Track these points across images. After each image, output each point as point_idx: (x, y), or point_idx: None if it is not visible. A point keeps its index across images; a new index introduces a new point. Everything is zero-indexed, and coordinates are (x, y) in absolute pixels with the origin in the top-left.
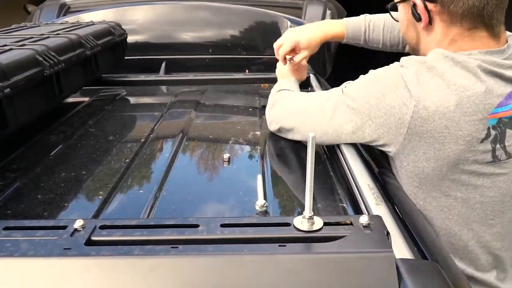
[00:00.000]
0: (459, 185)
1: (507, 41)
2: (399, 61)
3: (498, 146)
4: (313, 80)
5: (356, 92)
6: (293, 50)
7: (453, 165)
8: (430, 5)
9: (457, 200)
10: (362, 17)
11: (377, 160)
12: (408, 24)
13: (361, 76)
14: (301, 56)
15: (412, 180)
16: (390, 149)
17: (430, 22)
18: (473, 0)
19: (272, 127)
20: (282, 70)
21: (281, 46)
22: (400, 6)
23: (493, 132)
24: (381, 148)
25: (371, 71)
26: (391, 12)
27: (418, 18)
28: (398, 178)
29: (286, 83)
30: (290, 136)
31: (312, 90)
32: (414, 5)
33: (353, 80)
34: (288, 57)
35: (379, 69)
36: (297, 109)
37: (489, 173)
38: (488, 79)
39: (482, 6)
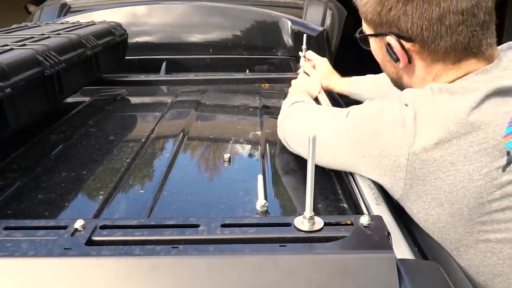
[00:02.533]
0: (495, 224)
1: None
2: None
3: None
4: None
5: (356, 121)
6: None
7: (477, 205)
8: (407, 45)
9: (500, 242)
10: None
11: None
12: (384, 60)
13: (366, 104)
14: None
15: (433, 231)
16: (393, 193)
17: (409, 61)
18: (456, 36)
19: (284, 142)
20: (296, 87)
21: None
22: (372, 40)
23: None
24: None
25: (375, 101)
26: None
27: (395, 59)
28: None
29: (300, 95)
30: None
31: (317, 97)
32: (389, 45)
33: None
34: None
35: (384, 101)
36: (303, 131)
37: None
38: (492, 99)
39: (467, 40)
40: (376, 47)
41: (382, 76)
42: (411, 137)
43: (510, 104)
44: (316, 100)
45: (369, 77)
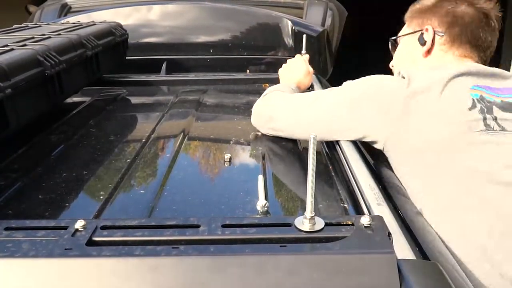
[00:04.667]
0: (463, 151)
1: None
2: None
3: (488, 116)
4: (314, 80)
5: (356, 85)
6: None
7: (447, 134)
8: (438, 36)
9: (469, 169)
10: None
11: (378, 160)
12: (406, 56)
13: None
14: None
15: (411, 163)
16: (384, 133)
17: (429, 51)
18: (472, 35)
19: (258, 120)
20: (284, 72)
21: None
22: (405, 38)
23: (478, 105)
24: (371, 139)
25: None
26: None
27: (423, 43)
28: (398, 168)
29: (285, 86)
30: (281, 134)
31: (313, 90)
32: (422, 34)
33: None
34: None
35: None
36: (291, 105)
37: (488, 141)
38: (462, 72)
39: (480, 43)
40: (404, 44)
41: None
42: (407, 80)
43: (473, 78)
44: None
45: None
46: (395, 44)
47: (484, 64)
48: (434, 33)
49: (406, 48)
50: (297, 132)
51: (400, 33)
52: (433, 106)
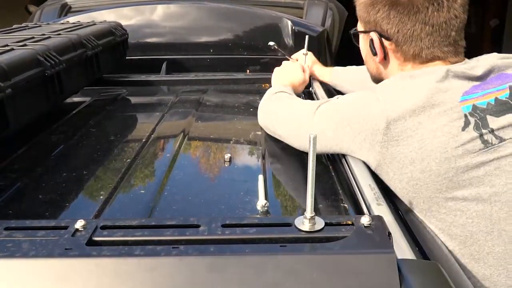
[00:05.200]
0: (460, 181)
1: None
2: None
3: (484, 131)
4: (315, 80)
5: (345, 100)
6: None
7: (443, 160)
8: (386, 42)
9: (466, 200)
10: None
11: None
12: (368, 55)
13: (347, 94)
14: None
15: (407, 191)
16: (370, 161)
17: (385, 57)
18: (425, 43)
19: (263, 126)
20: (281, 73)
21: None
22: (361, 37)
23: (471, 119)
24: (364, 160)
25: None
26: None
27: (374, 53)
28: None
29: (284, 87)
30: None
31: (314, 90)
32: (372, 40)
33: None
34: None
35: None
36: (287, 116)
37: (489, 160)
38: (449, 78)
39: (434, 49)
40: (363, 43)
41: (362, 68)
42: (384, 104)
43: (461, 82)
44: (310, 94)
45: (350, 68)
46: (356, 39)
47: (459, 49)
48: (381, 41)
49: (365, 48)
50: (297, 145)
51: (355, 29)
52: (419, 133)
